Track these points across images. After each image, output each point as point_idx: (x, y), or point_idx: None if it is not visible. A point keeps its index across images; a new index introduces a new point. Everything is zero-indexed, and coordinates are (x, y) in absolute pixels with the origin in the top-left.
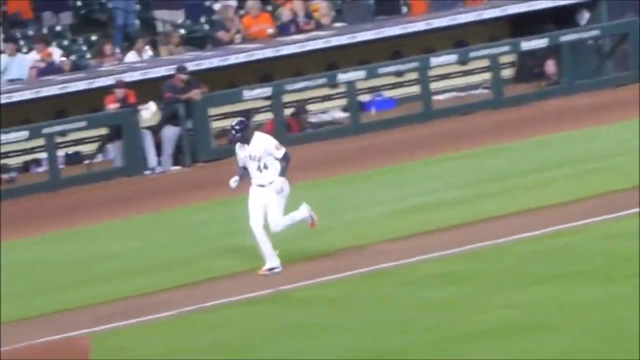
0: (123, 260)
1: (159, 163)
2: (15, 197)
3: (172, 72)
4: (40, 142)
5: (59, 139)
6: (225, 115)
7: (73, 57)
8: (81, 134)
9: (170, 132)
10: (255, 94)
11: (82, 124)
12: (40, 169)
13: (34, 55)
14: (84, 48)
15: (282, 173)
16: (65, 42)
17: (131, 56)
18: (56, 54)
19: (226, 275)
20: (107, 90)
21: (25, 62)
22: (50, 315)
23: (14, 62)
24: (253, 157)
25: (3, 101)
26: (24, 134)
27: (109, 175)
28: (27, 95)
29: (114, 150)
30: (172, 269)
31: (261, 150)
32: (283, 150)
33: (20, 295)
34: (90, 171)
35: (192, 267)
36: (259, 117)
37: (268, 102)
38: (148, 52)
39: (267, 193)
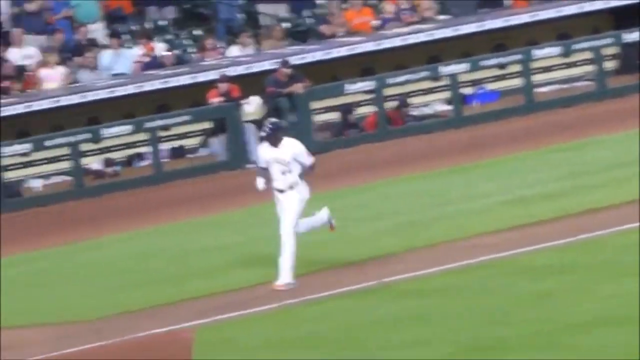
0: (225, 253)
1: None
2: (119, 190)
3: (275, 66)
4: (144, 136)
5: (162, 133)
6: (328, 109)
7: (176, 52)
8: (184, 128)
9: None
10: (357, 88)
11: (186, 118)
12: (144, 163)
13: (138, 50)
14: (188, 42)
15: (302, 177)
16: (169, 37)
17: (234, 50)
18: (160, 48)
19: (327, 267)
20: (210, 84)
21: (129, 57)
22: (154, 308)
23: (118, 57)
24: (281, 161)
25: (107, 96)
26: (128, 128)
27: (211, 168)
28: (131, 89)
29: (217, 144)
30: (273, 263)
31: (290, 154)
32: (312, 158)
33: (123, 288)
34: (193, 165)
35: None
36: (361, 111)
37: (370, 96)
38: (251, 46)
39: (287, 198)
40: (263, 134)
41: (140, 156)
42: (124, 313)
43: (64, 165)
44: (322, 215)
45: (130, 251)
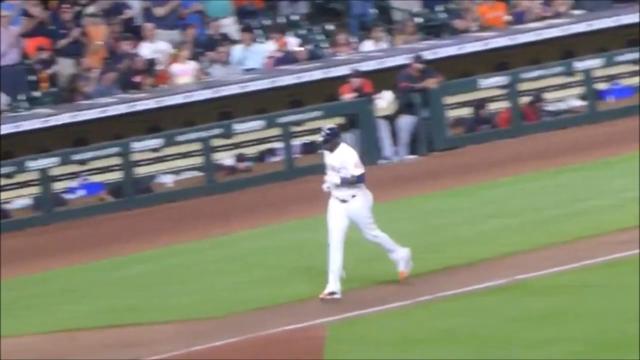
0: (356, 249)
1: (395, 152)
2: (250, 186)
3: (408, 61)
4: (276, 131)
5: (294, 129)
6: (461, 104)
7: (309, 47)
8: (317, 124)
9: (406, 121)
10: (490, 83)
11: (318, 113)
12: (276, 159)
13: (270, 45)
14: (320, 37)
15: (345, 182)
16: (302, 32)
17: (367, 45)
18: (292, 43)
19: (464, 264)
20: (343, 79)
21: (261, 52)
22: (285, 305)
23: (250, 51)
24: (333, 168)
25: (239, 91)
26: (260, 123)
27: None
28: (263, 84)
29: (349, 139)
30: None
31: (340, 162)
32: (361, 170)
33: (255, 284)
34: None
35: (428, 256)
36: (495, 106)
37: (504, 91)
38: (384, 41)
39: (349, 209)
40: (321, 139)
41: (272, 152)
42: (255, 309)
43: (196, 160)
44: (401, 251)
45: (261, 247)
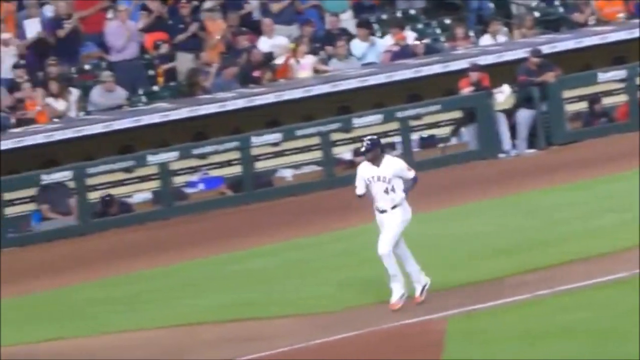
0: (478, 243)
1: (514, 146)
2: None
3: (526, 55)
4: (395, 125)
5: (413, 123)
6: (580, 98)
7: (427, 41)
8: (435, 117)
9: (524, 115)
10: (609, 77)
11: (436, 107)
12: (394, 153)
13: (388, 40)
14: (438, 31)
15: (407, 192)
16: (419, 26)
17: (485, 39)
18: (410, 37)
19: (582, 258)
20: (461, 73)
21: (379, 46)
22: (405, 299)
23: (369, 46)
24: (382, 179)
25: (358, 85)
26: (378, 117)
27: (463, 158)
28: (382, 79)
29: (468, 133)
30: (526, 252)
31: (392, 171)
32: (413, 172)
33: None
34: (444, 154)
35: (547, 250)
36: (613, 100)
37: (622, 85)
38: (502, 35)
39: (389, 218)
40: (362, 149)
41: (391, 145)
42: (374, 304)
43: (315, 154)
44: (421, 277)
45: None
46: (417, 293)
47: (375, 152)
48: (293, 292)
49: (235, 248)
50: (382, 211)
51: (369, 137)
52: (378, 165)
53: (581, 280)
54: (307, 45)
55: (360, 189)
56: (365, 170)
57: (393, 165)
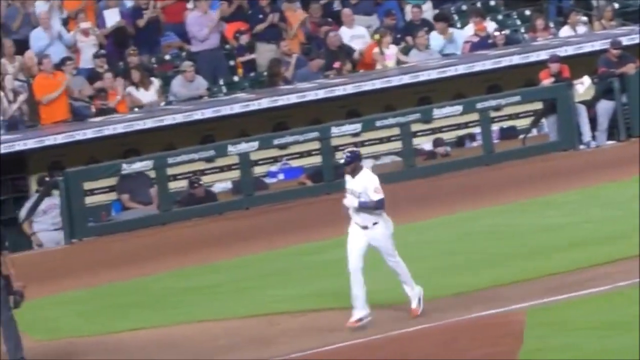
0: (559, 234)
1: (594, 138)
2: (449, 171)
3: (606, 47)
4: (475, 116)
5: (493, 114)
6: None
7: (507, 32)
8: (515, 109)
9: (604, 107)
10: None
11: (516, 98)
12: (475, 144)
13: (468, 30)
14: (518, 22)
15: (363, 207)
16: (499, 17)
17: (565, 31)
18: (490, 28)
19: None
20: (541, 64)
21: (458, 37)
22: (483, 290)
23: (448, 37)
24: (353, 193)
25: (438, 76)
26: (458, 108)
27: (543, 149)
28: (462, 69)
29: (548, 124)
30: (606, 244)
31: (361, 187)
32: (381, 196)
33: (452, 269)
34: (525, 146)
35: (627, 242)
36: None
37: None
38: (582, 26)
39: (370, 236)
40: (342, 161)
41: (471, 137)
42: (454, 295)
43: (395, 145)
44: (416, 289)
45: (461, 232)
46: (414, 305)
47: (354, 164)
48: (371, 283)
49: (315, 238)
50: (364, 227)
51: (348, 149)
52: (353, 177)
53: None
54: (388, 36)
55: (346, 200)
56: (348, 182)
57: (364, 181)
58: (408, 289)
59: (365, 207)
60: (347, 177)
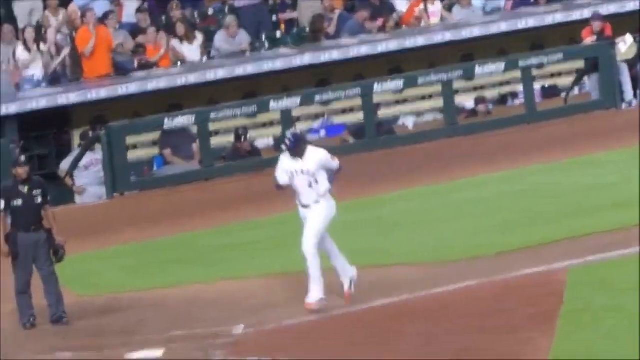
0: (600, 194)
1: (636, 96)
2: (491, 129)
3: None
4: (517, 74)
5: (535, 72)
6: None
7: None
8: (558, 67)
9: None
10: None
11: (559, 56)
12: (517, 102)
13: None
14: None
15: (331, 190)
16: None
17: None
18: None
19: None
20: (583, 23)
21: None
22: (526, 249)
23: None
24: (306, 172)
25: (481, 33)
26: (500, 66)
27: (585, 108)
28: (504, 27)
29: (590, 83)
30: None
31: (315, 164)
32: (337, 161)
33: (496, 228)
34: (567, 104)
35: None
36: None
37: None
38: None
39: (312, 213)
40: (284, 146)
41: (513, 95)
42: (495, 254)
43: (437, 103)
44: (349, 270)
45: (503, 191)
46: (346, 287)
47: (299, 147)
48: (414, 240)
49: (357, 195)
50: (305, 206)
51: (290, 132)
52: (301, 158)
53: None
54: None
55: (282, 179)
56: (287, 163)
57: (316, 157)
58: (346, 267)
59: (339, 172)
60: (288, 158)
